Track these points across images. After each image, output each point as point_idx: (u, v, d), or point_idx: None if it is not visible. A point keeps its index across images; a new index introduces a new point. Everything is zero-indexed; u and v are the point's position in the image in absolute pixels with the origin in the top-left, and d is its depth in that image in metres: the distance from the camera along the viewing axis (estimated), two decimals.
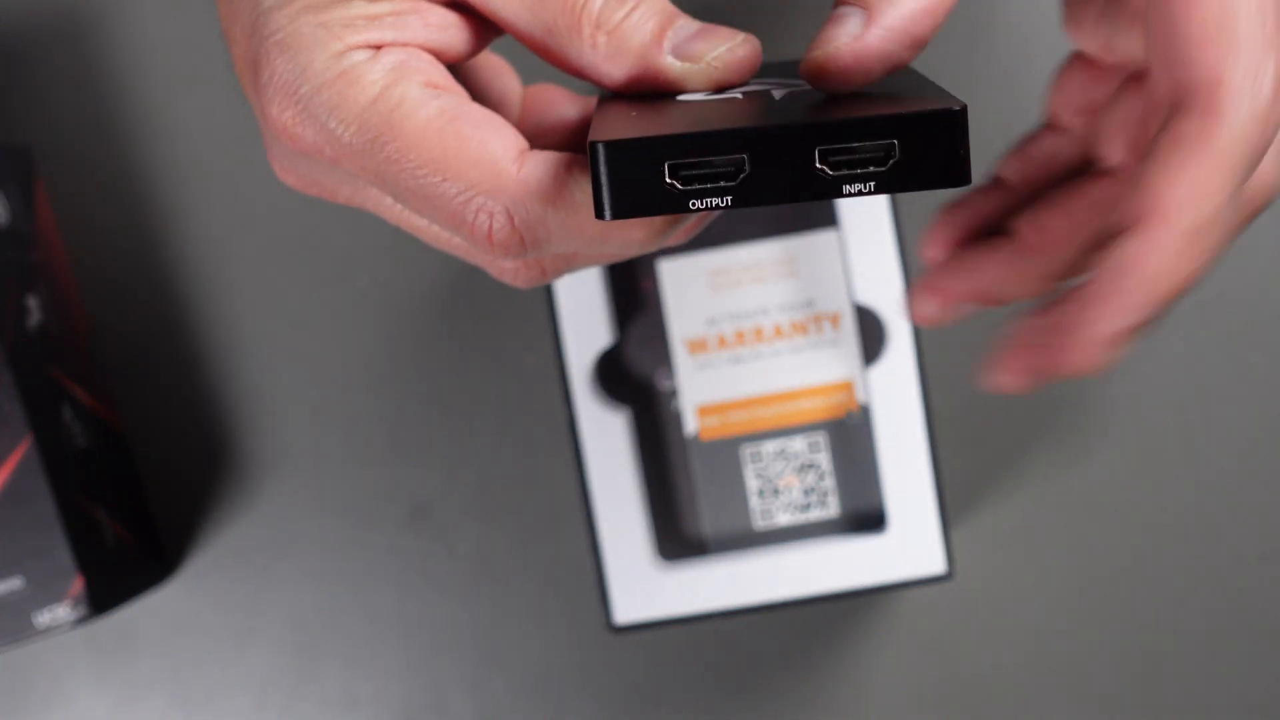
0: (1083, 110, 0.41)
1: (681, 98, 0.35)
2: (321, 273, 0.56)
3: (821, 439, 0.50)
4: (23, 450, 0.50)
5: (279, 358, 0.56)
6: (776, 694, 0.56)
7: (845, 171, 0.31)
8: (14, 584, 0.50)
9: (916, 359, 0.49)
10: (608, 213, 0.31)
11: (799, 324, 0.50)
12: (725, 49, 0.34)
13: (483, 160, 0.33)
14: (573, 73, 0.35)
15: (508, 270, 0.37)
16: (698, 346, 0.50)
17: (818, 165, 0.31)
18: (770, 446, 0.50)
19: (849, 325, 0.50)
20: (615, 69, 0.34)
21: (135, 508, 0.55)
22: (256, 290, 0.56)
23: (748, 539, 0.50)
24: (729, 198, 0.31)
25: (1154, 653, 0.55)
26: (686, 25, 0.34)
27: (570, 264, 0.37)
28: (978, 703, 0.55)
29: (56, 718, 0.57)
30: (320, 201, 0.56)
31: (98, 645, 0.57)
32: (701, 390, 0.50)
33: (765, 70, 0.38)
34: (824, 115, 0.31)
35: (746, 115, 0.32)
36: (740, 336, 0.50)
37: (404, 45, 0.34)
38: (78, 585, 0.50)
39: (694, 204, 0.31)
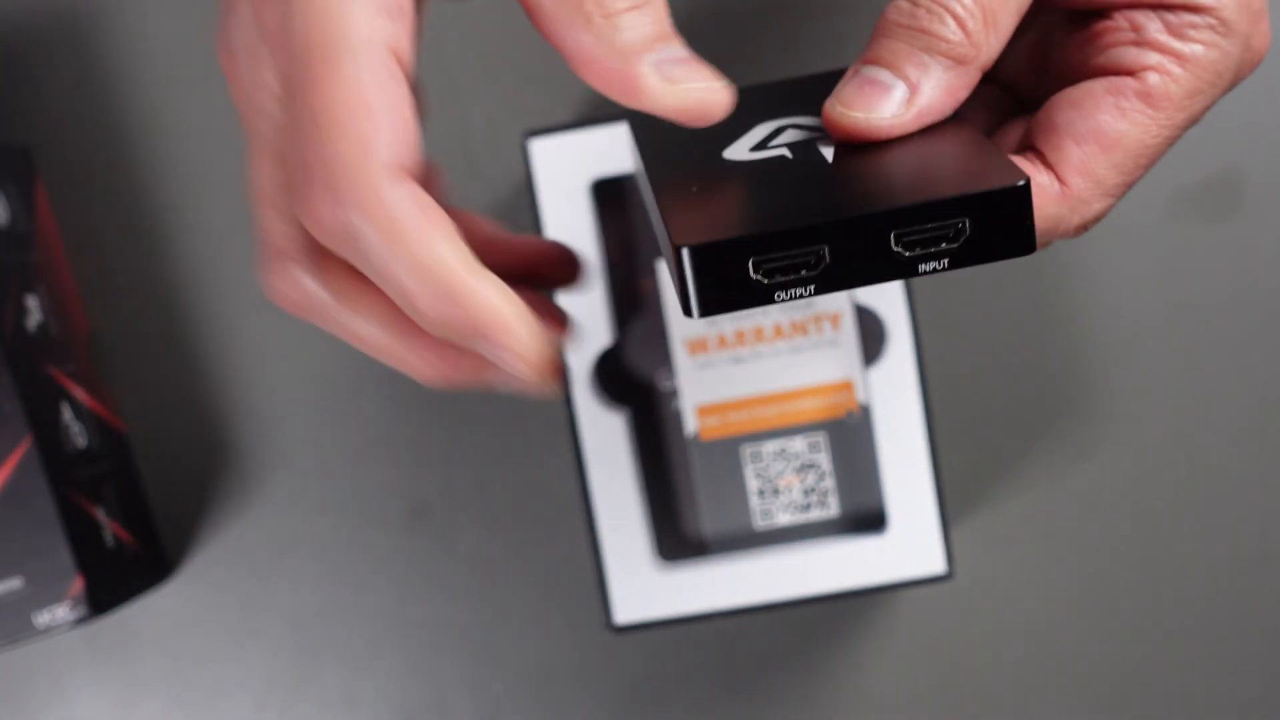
0: None
1: (727, 155, 0.35)
2: None
3: (821, 439, 0.50)
4: (23, 450, 0.50)
5: (279, 358, 0.56)
6: (776, 694, 0.56)
7: (920, 251, 0.32)
8: (14, 584, 0.50)
9: (916, 359, 0.49)
10: (696, 312, 0.32)
11: (799, 324, 0.50)
12: (703, 86, 0.34)
13: (363, 145, 0.32)
14: (553, 42, 0.34)
15: (272, 271, 0.35)
16: (698, 346, 0.50)
17: (894, 248, 0.32)
18: (770, 446, 0.50)
19: (849, 325, 0.50)
20: (598, 56, 0.34)
21: (135, 508, 0.55)
22: (256, 290, 0.56)
23: (748, 539, 0.50)
24: (811, 286, 0.32)
25: (1153, 652, 0.55)
26: (678, 48, 0.34)
27: (325, 319, 0.36)
28: (978, 703, 0.55)
29: (56, 718, 0.57)
30: None
31: (98, 645, 0.57)
32: (701, 390, 0.50)
33: (784, 93, 0.39)
34: (895, 198, 0.32)
35: (814, 193, 0.33)
36: (740, 336, 0.50)
37: None
38: (78, 585, 0.50)
39: (779, 295, 0.32)
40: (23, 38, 0.56)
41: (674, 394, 0.50)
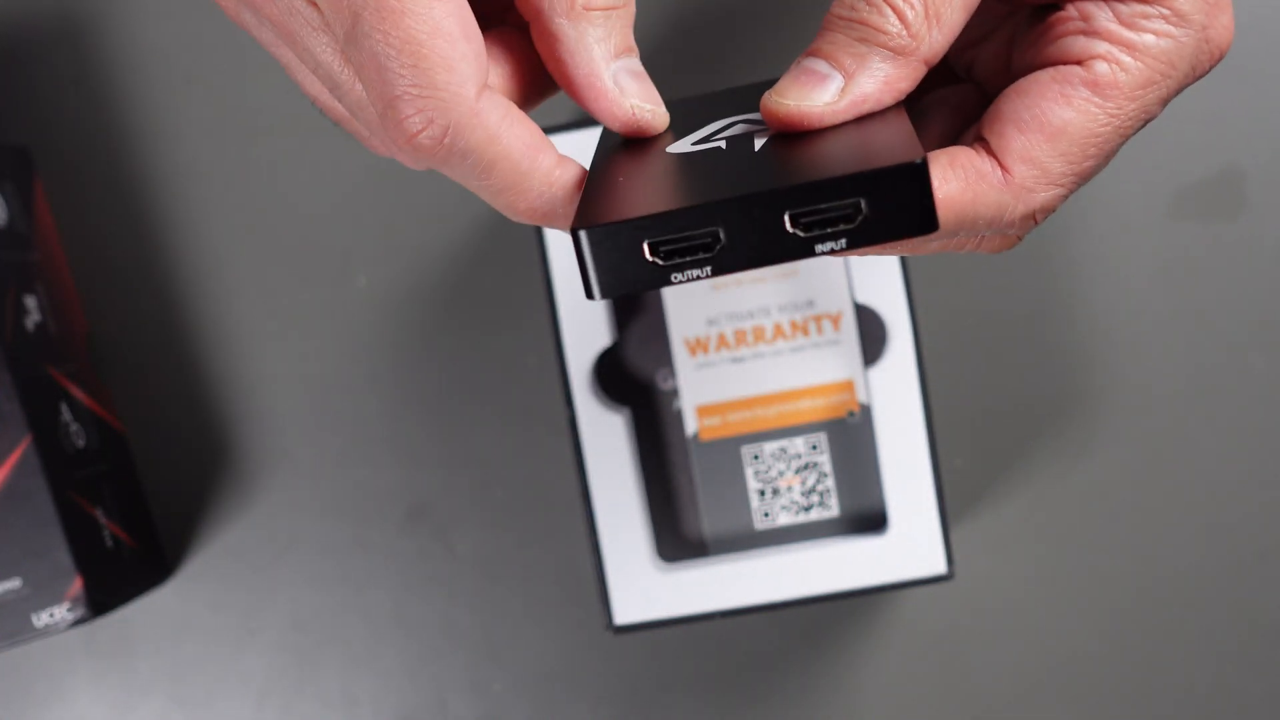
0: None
1: (670, 148, 0.36)
2: (321, 273, 0.56)
3: (822, 439, 0.50)
4: (22, 450, 0.50)
5: (279, 358, 0.56)
6: (776, 694, 0.56)
7: (816, 231, 0.32)
8: (13, 584, 0.50)
9: (917, 359, 0.49)
10: (597, 293, 0.32)
11: (799, 324, 0.50)
12: (650, 108, 0.37)
13: (454, 73, 0.33)
14: (531, 18, 0.35)
15: (394, 154, 0.37)
16: (698, 346, 0.50)
17: (789, 229, 0.32)
18: (770, 446, 0.50)
19: (849, 325, 0.50)
20: (568, 48, 0.35)
21: (135, 508, 0.55)
22: (256, 290, 0.56)
23: (748, 539, 0.50)
24: (708, 268, 0.32)
25: (1154, 652, 0.55)
26: (636, 62, 0.36)
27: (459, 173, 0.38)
28: (978, 703, 0.55)
29: (56, 718, 0.57)
30: (320, 203, 0.56)
31: (97, 645, 0.57)
32: (701, 390, 0.50)
33: (749, 93, 0.39)
34: (790, 177, 0.32)
35: (721, 176, 0.33)
36: (740, 336, 0.50)
37: None
38: (77, 586, 0.50)
39: (676, 277, 0.32)
40: (21, 38, 0.56)
41: (674, 394, 0.50)
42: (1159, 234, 0.54)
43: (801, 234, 0.32)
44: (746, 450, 0.50)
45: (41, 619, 0.50)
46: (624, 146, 0.37)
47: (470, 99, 0.33)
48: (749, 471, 0.50)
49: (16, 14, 0.56)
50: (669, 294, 0.50)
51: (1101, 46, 0.36)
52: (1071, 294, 0.55)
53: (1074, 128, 0.36)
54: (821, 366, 0.50)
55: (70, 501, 0.51)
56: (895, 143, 0.33)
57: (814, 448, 0.50)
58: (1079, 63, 0.36)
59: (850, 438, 0.50)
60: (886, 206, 0.31)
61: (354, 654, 0.56)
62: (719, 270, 0.32)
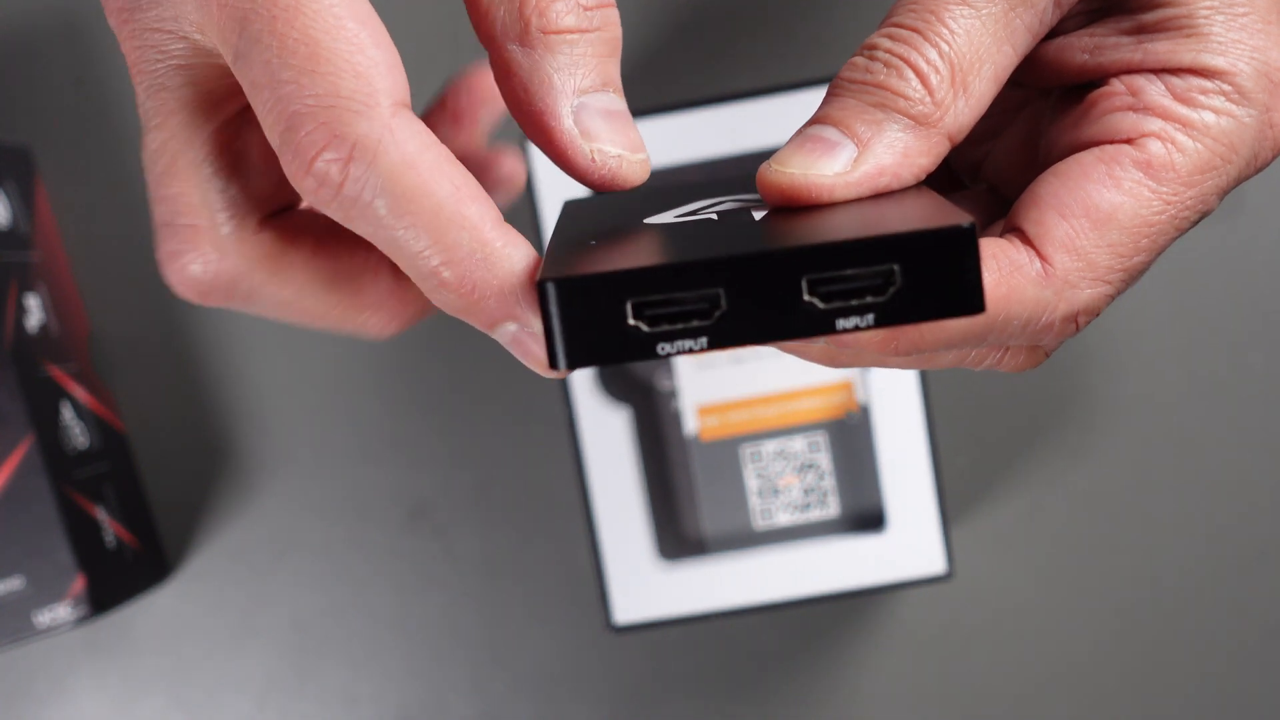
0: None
1: (649, 220, 0.31)
2: None
3: (821, 439, 0.50)
4: (23, 450, 0.50)
5: (279, 358, 0.56)
6: (776, 694, 0.56)
7: (839, 304, 0.27)
8: (14, 584, 0.50)
9: None
10: (562, 363, 0.27)
11: None
12: (618, 153, 0.31)
13: (362, 80, 0.28)
14: (484, 43, 0.31)
15: (182, 254, 0.32)
16: None
17: (806, 297, 0.27)
18: (770, 446, 0.50)
19: None
20: (520, 70, 0.30)
21: (135, 507, 0.55)
22: None
23: (748, 539, 0.50)
24: (704, 339, 0.27)
25: (1153, 652, 0.55)
26: (612, 98, 0.31)
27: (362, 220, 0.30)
28: (978, 703, 0.55)
29: (56, 717, 0.57)
30: None
31: (98, 645, 0.57)
32: (701, 390, 0.50)
33: (722, 179, 0.35)
34: (810, 237, 0.27)
35: (722, 241, 0.29)
36: None
37: None
38: (78, 585, 0.50)
39: (663, 347, 0.27)
40: (22, 37, 0.56)
41: (674, 394, 0.50)
42: None
43: (820, 304, 0.27)
44: (746, 450, 0.50)
45: (43, 618, 0.50)
46: (590, 217, 0.32)
47: (384, 112, 0.28)
48: (748, 471, 0.50)
49: (16, 14, 0.56)
50: None
51: (1155, 124, 0.32)
52: None
53: (1124, 214, 0.31)
54: (821, 367, 0.50)
55: (71, 501, 0.51)
56: (932, 209, 0.28)
57: (813, 447, 0.50)
58: (1129, 141, 0.32)
59: (849, 437, 0.50)
60: (925, 277, 0.27)
61: (354, 654, 0.57)
62: (716, 343, 0.27)
